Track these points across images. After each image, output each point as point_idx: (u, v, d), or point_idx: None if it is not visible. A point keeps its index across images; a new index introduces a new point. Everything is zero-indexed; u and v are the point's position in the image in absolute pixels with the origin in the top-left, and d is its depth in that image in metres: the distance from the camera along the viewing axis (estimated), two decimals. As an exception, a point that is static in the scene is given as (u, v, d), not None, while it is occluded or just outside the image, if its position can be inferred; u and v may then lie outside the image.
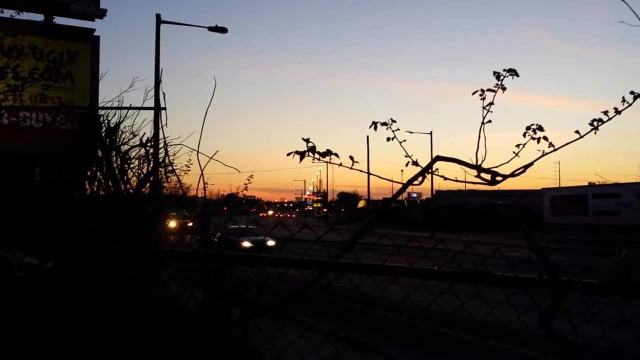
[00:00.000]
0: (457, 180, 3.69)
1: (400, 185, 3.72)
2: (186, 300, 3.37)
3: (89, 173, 7.34)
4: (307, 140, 3.25)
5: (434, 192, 65.09)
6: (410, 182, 3.32)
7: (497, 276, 2.33)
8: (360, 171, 3.20)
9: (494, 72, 3.91)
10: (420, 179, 3.31)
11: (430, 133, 57.68)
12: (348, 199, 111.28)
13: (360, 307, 3.73)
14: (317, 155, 3.23)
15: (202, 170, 3.73)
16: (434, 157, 3.37)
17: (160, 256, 3.28)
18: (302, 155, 3.29)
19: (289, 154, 3.20)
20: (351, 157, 3.28)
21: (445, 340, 9.21)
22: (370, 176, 68.03)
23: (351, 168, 3.25)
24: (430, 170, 3.63)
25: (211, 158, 4.02)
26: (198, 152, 3.81)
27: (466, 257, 2.83)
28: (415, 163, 3.67)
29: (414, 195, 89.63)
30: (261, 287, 3.21)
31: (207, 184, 9.40)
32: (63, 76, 11.79)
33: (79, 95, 11.53)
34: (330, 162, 3.29)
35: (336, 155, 3.27)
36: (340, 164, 3.28)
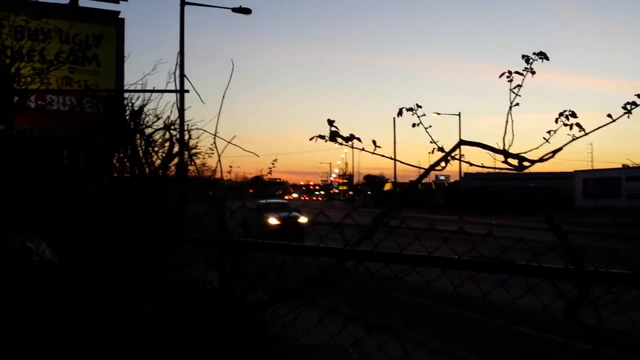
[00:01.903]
0: (482, 166, 3.60)
1: (423, 170, 3.65)
2: (202, 284, 3.37)
3: (115, 156, 7.41)
4: (331, 123, 3.19)
5: (463, 174, 64.34)
6: (432, 167, 3.24)
7: (520, 266, 2.25)
8: (383, 156, 3.14)
9: (523, 56, 3.78)
10: (443, 164, 3.22)
11: (459, 114, 56.69)
12: (374, 181, 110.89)
13: (380, 291, 3.68)
14: (340, 140, 3.17)
15: (219, 156, 3.72)
16: (457, 141, 3.28)
17: (177, 242, 3.28)
18: (325, 139, 3.24)
19: (311, 139, 3.15)
20: (374, 142, 3.22)
21: (469, 325, 9.13)
22: (398, 158, 67.44)
23: (373, 153, 3.18)
24: (453, 156, 3.54)
25: (229, 142, 4.00)
26: (216, 136, 3.78)
27: (493, 241, 2.75)
28: (441, 149, 3.58)
29: (442, 178, 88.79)
30: (278, 272, 3.18)
31: (231, 167, 9.43)
32: (89, 59, 11.87)
33: (105, 78, 11.60)
34: (353, 147, 3.23)
35: (359, 139, 3.20)
36: (363, 149, 3.21)
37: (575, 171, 56.56)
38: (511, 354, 7.29)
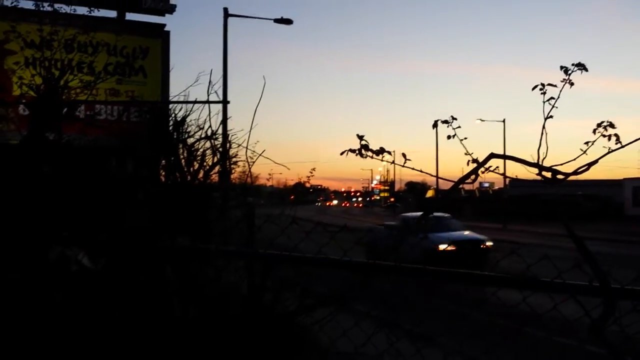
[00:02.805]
0: (515, 178, 3.59)
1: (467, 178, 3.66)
2: (235, 291, 3.48)
3: (162, 164, 7.65)
4: (361, 138, 3.25)
5: (508, 182, 63.06)
6: (462, 180, 3.26)
7: (543, 282, 2.25)
8: (413, 169, 3.17)
9: (561, 67, 3.75)
10: (473, 177, 3.24)
11: (503, 121, 55.76)
12: (416, 188, 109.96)
13: (416, 297, 3.70)
14: (369, 153, 3.23)
15: (250, 168, 3.82)
16: (488, 154, 3.28)
17: (207, 254, 3.40)
18: (356, 153, 3.30)
19: (342, 153, 3.22)
20: (404, 155, 3.26)
21: (508, 334, 9.01)
22: (439, 165, 66.41)
23: (403, 166, 3.22)
24: (486, 168, 3.55)
25: (260, 155, 4.11)
26: (247, 148, 3.90)
27: (532, 250, 2.75)
28: (475, 161, 3.59)
29: (486, 185, 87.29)
30: (304, 286, 3.26)
31: (270, 174, 9.57)
32: (136, 70, 12.29)
33: (151, 89, 11.99)
34: (383, 160, 3.28)
35: (389, 153, 3.25)
36: (393, 162, 3.25)
37: (625, 179, 54.70)
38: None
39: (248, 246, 3.21)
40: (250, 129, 4.53)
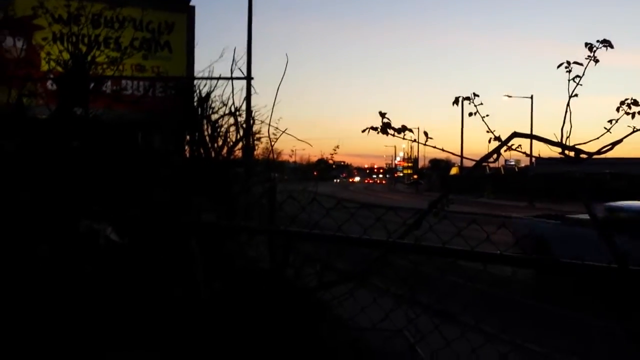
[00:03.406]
0: (537, 157, 3.57)
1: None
2: (257, 265, 3.55)
3: (187, 139, 7.76)
4: (383, 115, 3.26)
5: (533, 160, 62.14)
6: (484, 159, 3.26)
7: (561, 263, 2.25)
8: (434, 147, 3.18)
9: (586, 44, 3.68)
10: (495, 156, 3.23)
11: (531, 97, 54.67)
12: (440, 165, 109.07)
13: (436, 274, 3.73)
14: (391, 131, 3.24)
15: (272, 144, 3.86)
16: (511, 133, 3.27)
17: (230, 230, 3.47)
18: (377, 131, 3.31)
19: (363, 131, 3.23)
20: (425, 133, 3.26)
21: (526, 311, 8.98)
22: (464, 144, 65.66)
23: (424, 144, 3.23)
24: (509, 146, 3.53)
25: (283, 132, 4.15)
26: (269, 125, 3.94)
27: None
28: (498, 139, 3.57)
29: (512, 162, 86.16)
30: (324, 263, 3.31)
31: (293, 150, 9.61)
32: (161, 46, 12.33)
33: (176, 64, 12.02)
34: (404, 138, 3.29)
35: (410, 131, 3.26)
36: (415, 140, 3.26)
37: (656, 157, 53.44)
38: (571, 341, 7.16)
39: (270, 222, 3.28)
40: (273, 105, 4.58)
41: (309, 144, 5.75)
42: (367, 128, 3.21)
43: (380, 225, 2.84)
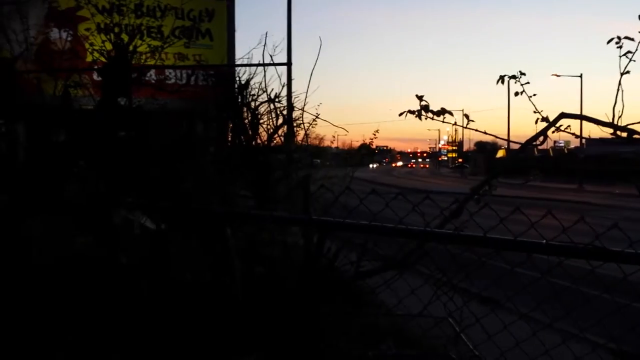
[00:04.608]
0: (587, 138, 3.41)
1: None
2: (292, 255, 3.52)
3: (229, 127, 7.79)
4: (420, 98, 3.15)
5: (584, 141, 60.10)
6: (530, 141, 3.12)
7: (613, 252, 2.12)
8: (476, 130, 3.06)
9: (639, 16, 3.48)
10: (542, 138, 3.10)
11: (580, 76, 52.86)
12: (486, 148, 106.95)
13: (480, 261, 3.62)
14: (430, 115, 3.14)
15: (306, 131, 3.80)
16: (559, 114, 3.13)
17: (261, 219, 3.43)
18: (415, 114, 3.21)
19: (400, 114, 3.14)
20: (466, 116, 3.15)
21: (576, 300, 8.65)
22: (511, 125, 64.35)
23: (466, 127, 3.11)
24: (557, 127, 3.38)
25: (315, 117, 4.07)
26: (303, 110, 3.87)
27: (615, 212, 2.60)
28: (545, 119, 3.43)
29: (561, 144, 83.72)
30: (360, 252, 3.24)
31: (334, 136, 9.56)
32: (202, 34, 12.39)
33: (217, 52, 12.07)
34: (444, 122, 3.19)
35: (450, 113, 3.15)
36: (455, 123, 3.16)
37: None
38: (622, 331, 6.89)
39: (304, 212, 3.23)
40: (307, 89, 4.51)
41: (345, 129, 5.69)
42: (404, 112, 3.11)
43: (419, 211, 2.74)
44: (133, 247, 3.27)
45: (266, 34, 7.68)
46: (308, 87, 5.58)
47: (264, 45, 7.70)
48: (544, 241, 2.28)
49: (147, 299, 3.21)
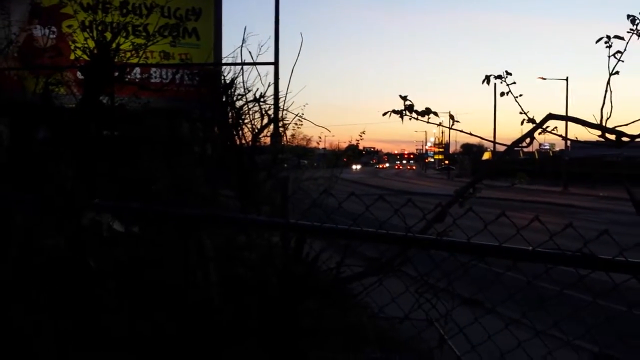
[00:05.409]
0: (573, 140, 3.36)
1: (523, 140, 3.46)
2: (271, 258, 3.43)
3: (216, 128, 7.68)
4: (405, 98, 3.08)
5: (569, 143, 60.54)
6: (517, 143, 3.06)
7: (601, 260, 2.06)
8: (461, 131, 3.00)
9: (629, 16, 3.44)
10: (528, 140, 3.04)
11: (566, 79, 53.20)
12: (472, 150, 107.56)
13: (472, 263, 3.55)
14: (414, 115, 3.06)
15: (285, 130, 3.69)
16: (546, 115, 3.07)
17: (238, 224, 3.33)
18: (400, 114, 3.14)
19: (384, 114, 3.06)
20: (451, 116, 3.08)
21: (571, 305, 8.63)
22: (497, 127, 64.64)
23: (450, 128, 3.05)
24: (544, 128, 3.33)
25: (296, 116, 3.99)
26: (284, 110, 3.78)
27: (601, 214, 2.53)
28: (532, 120, 3.38)
29: (546, 146, 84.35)
30: (343, 254, 3.16)
31: (320, 137, 9.47)
32: (189, 33, 12.25)
33: (203, 51, 11.93)
34: (429, 122, 3.12)
35: (435, 114, 3.08)
36: (440, 124, 3.09)
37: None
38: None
39: (282, 214, 3.14)
40: (287, 87, 4.42)
41: (328, 129, 5.63)
42: (388, 111, 3.04)
43: (401, 215, 2.67)
44: (101, 250, 3.16)
45: (244, 29, 7.58)
46: (289, 84, 5.50)
47: (245, 45, 7.62)
48: (530, 248, 2.21)
49: (116, 301, 3.11)
